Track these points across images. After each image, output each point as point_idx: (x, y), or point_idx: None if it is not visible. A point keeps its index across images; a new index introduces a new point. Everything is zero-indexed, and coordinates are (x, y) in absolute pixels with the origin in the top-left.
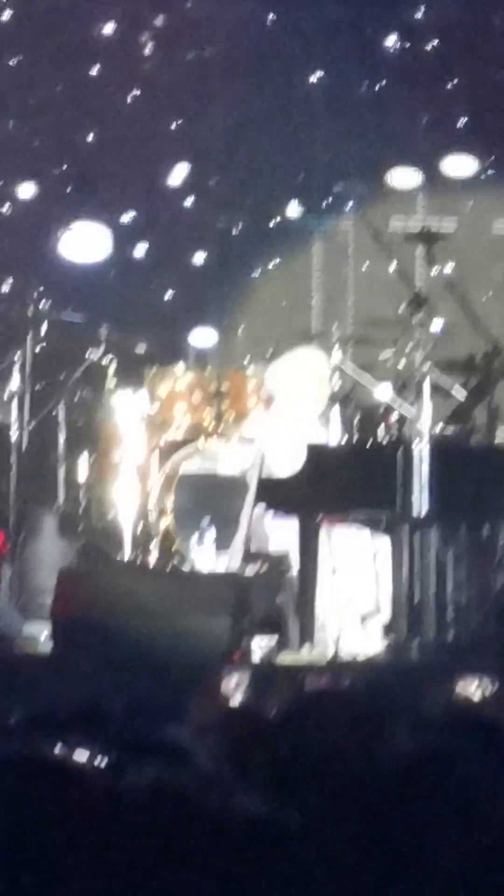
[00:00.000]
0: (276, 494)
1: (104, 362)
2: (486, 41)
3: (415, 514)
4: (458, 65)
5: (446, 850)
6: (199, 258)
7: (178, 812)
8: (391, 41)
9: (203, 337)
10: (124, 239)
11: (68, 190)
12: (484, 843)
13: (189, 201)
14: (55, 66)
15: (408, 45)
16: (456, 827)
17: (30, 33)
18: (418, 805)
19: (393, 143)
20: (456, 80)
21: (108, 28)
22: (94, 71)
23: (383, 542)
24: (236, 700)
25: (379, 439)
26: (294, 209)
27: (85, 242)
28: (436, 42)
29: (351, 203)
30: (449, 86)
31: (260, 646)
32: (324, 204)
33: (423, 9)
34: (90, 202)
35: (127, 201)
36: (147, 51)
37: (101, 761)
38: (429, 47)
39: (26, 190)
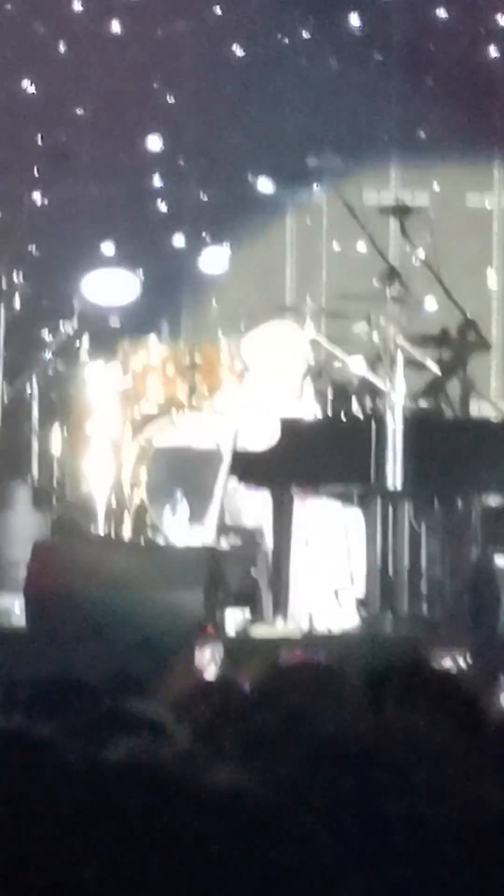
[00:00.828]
0: (249, 467)
1: (77, 335)
2: (456, 17)
3: (388, 487)
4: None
5: (419, 821)
6: (172, 232)
7: (152, 785)
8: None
9: (213, 259)
10: (96, 210)
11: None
12: (456, 813)
13: (162, 175)
14: (21, 37)
15: (376, 20)
16: (429, 798)
17: None
18: (392, 777)
19: (366, 117)
20: (425, 56)
21: (77, 3)
22: (61, 47)
23: (357, 516)
24: (210, 673)
25: (352, 413)
26: (267, 183)
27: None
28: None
29: (324, 177)
30: (420, 59)
31: (233, 619)
32: (297, 178)
33: None
34: (62, 174)
35: (98, 174)
36: (117, 25)
37: (75, 735)
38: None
39: None
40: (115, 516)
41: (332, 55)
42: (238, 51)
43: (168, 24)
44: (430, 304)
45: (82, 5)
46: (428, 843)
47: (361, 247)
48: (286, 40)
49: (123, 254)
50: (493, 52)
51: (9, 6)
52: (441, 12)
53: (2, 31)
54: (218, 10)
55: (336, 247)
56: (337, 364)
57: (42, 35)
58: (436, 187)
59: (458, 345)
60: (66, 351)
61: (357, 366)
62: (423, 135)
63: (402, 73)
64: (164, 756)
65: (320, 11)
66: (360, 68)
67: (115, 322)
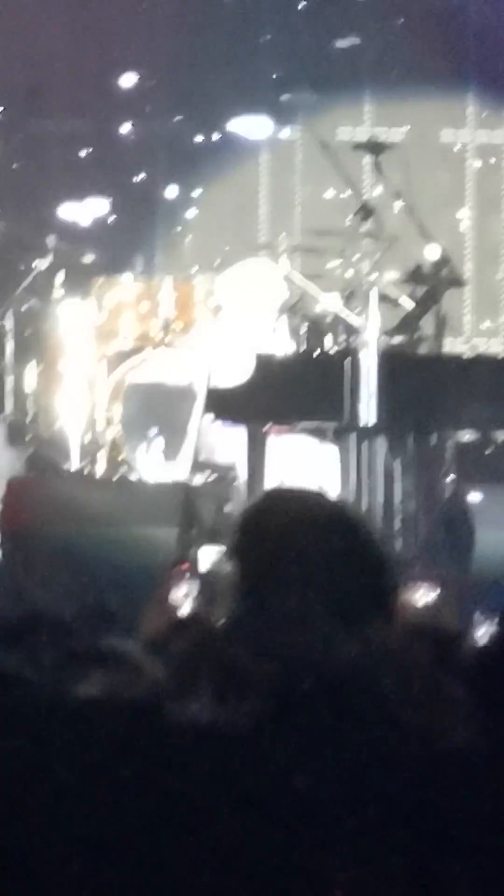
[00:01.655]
0: (223, 404)
1: (51, 272)
2: None
3: (362, 423)
4: None
5: (390, 753)
6: (145, 169)
7: (128, 722)
8: None
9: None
10: (70, 148)
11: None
12: (430, 748)
13: (135, 112)
14: None
15: None
16: (404, 733)
17: None
18: (367, 710)
19: (339, 53)
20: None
21: None
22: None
23: (331, 452)
24: (185, 609)
25: (326, 349)
26: (240, 119)
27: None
28: None
29: (298, 113)
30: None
31: (208, 555)
32: (270, 114)
33: None
34: (37, 111)
35: (72, 111)
36: None
37: (48, 670)
38: None
39: None
40: (89, 453)
41: None
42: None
43: None
44: (404, 239)
45: None
46: (400, 777)
47: (335, 183)
48: None
49: (95, 191)
50: None
51: None
52: None
53: None
54: None
55: (310, 183)
56: (311, 300)
57: None
58: (410, 123)
59: (432, 280)
60: (40, 288)
61: (331, 303)
62: (396, 71)
63: (375, 9)
64: (139, 692)
65: None
66: (333, 5)
67: (89, 259)
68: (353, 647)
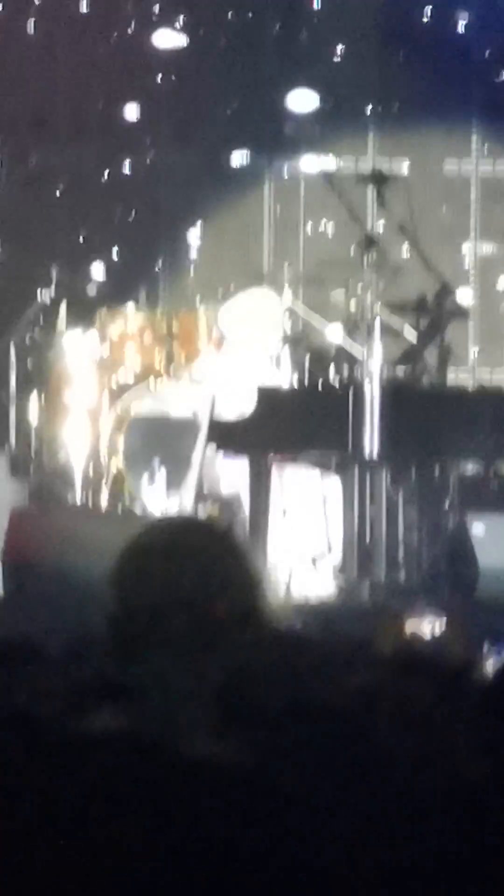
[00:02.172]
0: (226, 435)
1: (54, 303)
2: None
3: (365, 454)
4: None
5: (399, 787)
6: (149, 200)
7: (131, 753)
8: None
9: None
10: (74, 180)
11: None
12: (435, 779)
13: (139, 144)
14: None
15: None
16: (408, 763)
17: None
18: (370, 742)
19: (343, 86)
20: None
21: None
22: (29, 27)
23: (334, 483)
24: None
25: (330, 380)
26: (244, 151)
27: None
28: None
29: (301, 145)
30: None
31: None
32: (273, 146)
33: None
34: (43, 139)
35: (76, 143)
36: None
37: (52, 701)
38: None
39: None
40: (92, 484)
41: (307, 25)
42: (215, 23)
43: None
44: (408, 270)
45: None
46: (407, 809)
47: (339, 214)
48: (259, 12)
49: (98, 222)
50: (463, 21)
51: None
52: None
53: None
54: None
55: (314, 214)
56: (314, 331)
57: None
58: (414, 154)
59: (436, 311)
60: (44, 319)
61: (334, 333)
62: (400, 103)
63: (378, 41)
64: (142, 724)
65: None
66: (336, 38)
67: (92, 290)
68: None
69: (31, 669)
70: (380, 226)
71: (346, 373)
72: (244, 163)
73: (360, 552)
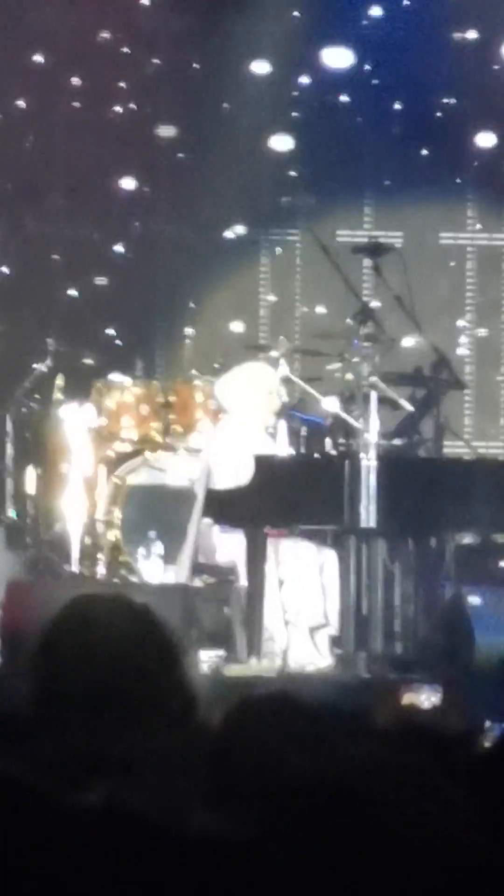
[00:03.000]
0: (223, 506)
1: (51, 374)
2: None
3: (362, 526)
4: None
5: (394, 860)
6: (145, 271)
7: (130, 829)
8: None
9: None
10: (70, 251)
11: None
12: (432, 852)
13: (134, 215)
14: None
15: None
16: (404, 837)
17: None
18: (365, 815)
19: (340, 155)
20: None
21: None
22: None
23: (330, 555)
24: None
25: (326, 451)
26: (241, 222)
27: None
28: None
29: (298, 216)
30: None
31: (208, 658)
32: (269, 217)
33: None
34: (39, 211)
35: (72, 214)
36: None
37: (50, 774)
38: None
39: None
40: (89, 555)
41: (307, 99)
42: (213, 93)
43: (139, 69)
44: (406, 342)
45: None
46: (405, 882)
47: (335, 285)
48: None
49: (94, 293)
50: (454, 98)
51: None
52: (410, 60)
53: None
54: (196, 65)
55: (309, 285)
56: (311, 402)
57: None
58: (410, 225)
59: (432, 383)
60: (40, 390)
61: (330, 404)
62: (395, 175)
63: (374, 114)
64: (140, 798)
65: (296, 51)
66: (334, 110)
67: (88, 361)
68: (354, 753)
69: (28, 741)
70: (375, 298)
71: (342, 444)
72: (240, 235)
73: (356, 623)
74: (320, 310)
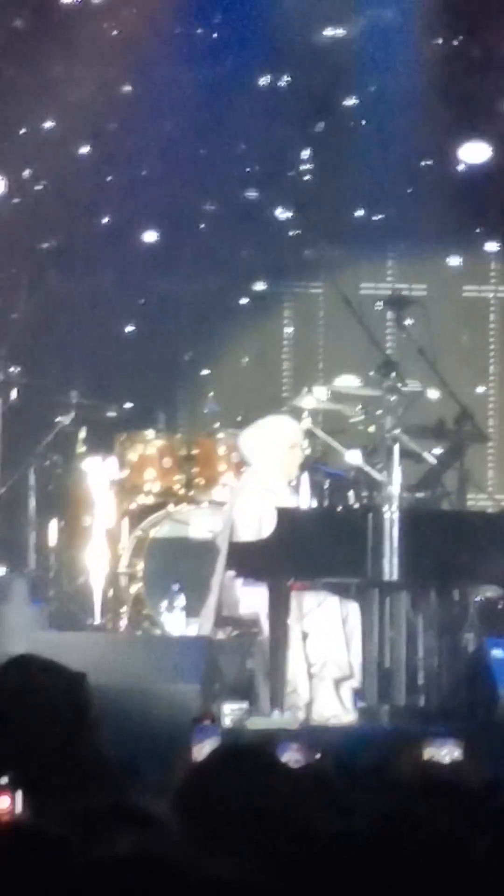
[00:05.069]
0: (246, 559)
1: (74, 427)
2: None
3: (385, 579)
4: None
5: None
6: (168, 325)
7: (152, 880)
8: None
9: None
10: (93, 305)
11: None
12: None
13: (157, 268)
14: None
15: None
16: (426, 889)
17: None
18: (389, 868)
19: (362, 210)
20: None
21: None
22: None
23: (353, 607)
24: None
25: (349, 504)
26: (264, 276)
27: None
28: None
29: (322, 269)
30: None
31: (231, 711)
32: (293, 270)
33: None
34: (62, 266)
35: (95, 268)
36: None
37: (77, 829)
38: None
39: None
40: (111, 608)
41: (328, 150)
42: (231, 146)
43: (157, 122)
44: (430, 394)
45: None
46: None
47: (358, 338)
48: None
49: (117, 347)
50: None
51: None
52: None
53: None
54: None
55: (333, 338)
56: (334, 455)
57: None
58: (433, 278)
59: (455, 436)
60: (63, 443)
61: (354, 457)
62: (420, 227)
63: (397, 165)
64: (164, 850)
65: (315, 106)
66: (355, 161)
67: (111, 414)
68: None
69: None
70: (399, 350)
71: (365, 497)
72: (264, 287)
73: (380, 676)
74: (344, 363)
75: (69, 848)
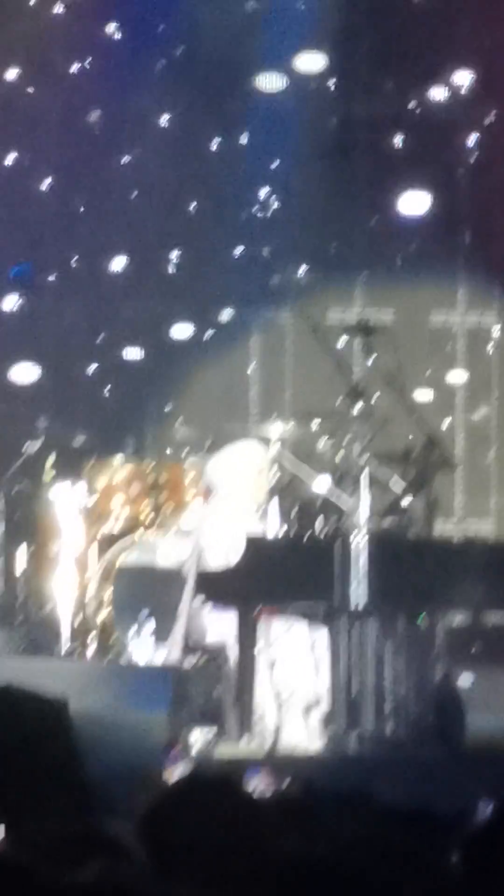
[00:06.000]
0: (214, 586)
1: (42, 454)
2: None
3: (353, 605)
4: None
5: None
6: (136, 352)
7: None
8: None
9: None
10: (63, 331)
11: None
12: None
13: (126, 296)
14: None
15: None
16: None
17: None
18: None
19: (330, 237)
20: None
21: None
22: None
23: (321, 634)
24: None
25: (316, 531)
26: (231, 303)
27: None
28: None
29: (288, 296)
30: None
31: (199, 738)
32: (260, 297)
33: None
34: (28, 293)
35: (63, 293)
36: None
37: (43, 855)
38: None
39: None
40: (79, 635)
41: (298, 176)
42: (203, 173)
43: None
44: (397, 421)
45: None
46: None
47: (326, 365)
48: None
49: (88, 374)
50: (459, 175)
51: None
52: (404, 137)
53: None
54: (186, 126)
55: (300, 365)
56: (301, 482)
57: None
58: (400, 305)
59: (422, 463)
60: (31, 470)
61: (322, 483)
62: (387, 255)
63: (366, 192)
64: (130, 877)
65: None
66: (326, 189)
67: (79, 441)
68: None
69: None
70: (366, 377)
71: (333, 524)
72: (231, 316)
73: (348, 702)
74: (311, 389)
75: (35, 877)
